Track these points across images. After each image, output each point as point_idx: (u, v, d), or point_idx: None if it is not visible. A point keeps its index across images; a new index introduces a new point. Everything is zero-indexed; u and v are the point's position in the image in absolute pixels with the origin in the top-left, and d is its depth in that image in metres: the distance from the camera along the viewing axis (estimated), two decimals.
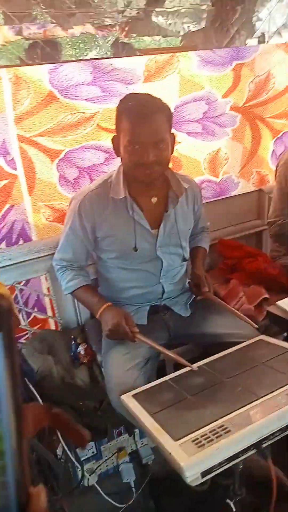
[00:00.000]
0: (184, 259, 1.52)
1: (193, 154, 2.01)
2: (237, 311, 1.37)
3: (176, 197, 1.42)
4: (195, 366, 1.20)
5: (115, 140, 1.33)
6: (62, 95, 1.60)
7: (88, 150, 1.73)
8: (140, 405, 1.08)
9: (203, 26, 2.39)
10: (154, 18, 2.28)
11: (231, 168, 2.15)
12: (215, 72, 1.91)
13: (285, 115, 2.20)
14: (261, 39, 2.32)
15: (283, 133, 2.23)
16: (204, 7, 2.38)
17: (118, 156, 1.34)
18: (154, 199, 1.42)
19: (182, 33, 2.43)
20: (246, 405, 0.98)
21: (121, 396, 1.14)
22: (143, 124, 1.23)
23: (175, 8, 2.25)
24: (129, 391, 1.15)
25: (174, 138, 1.35)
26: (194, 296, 1.55)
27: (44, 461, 1.08)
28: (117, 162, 1.78)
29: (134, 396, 1.13)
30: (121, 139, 1.28)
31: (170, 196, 1.43)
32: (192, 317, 1.50)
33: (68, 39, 1.91)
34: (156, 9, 2.24)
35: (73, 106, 1.64)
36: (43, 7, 1.75)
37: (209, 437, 0.89)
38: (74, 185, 1.76)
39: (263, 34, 2.52)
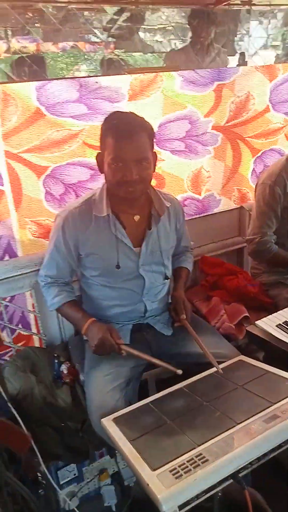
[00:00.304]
0: (166, 277, 1.53)
1: (176, 171, 2.03)
2: (204, 347, 1.35)
3: (158, 215, 1.44)
4: (179, 371, 1.23)
5: (99, 157, 1.34)
6: (49, 112, 1.60)
7: (74, 167, 1.73)
8: (119, 430, 1.08)
9: (187, 44, 2.43)
10: (141, 35, 2.31)
11: (213, 186, 2.18)
12: (197, 92, 1.94)
13: (264, 135, 2.25)
14: (241, 59, 2.37)
15: (262, 152, 2.28)
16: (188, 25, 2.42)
17: (102, 173, 1.35)
18: (136, 217, 1.43)
19: (168, 49, 2.46)
20: (224, 431, 0.99)
21: (102, 420, 1.14)
22: (127, 142, 1.25)
23: (161, 26, 2.28)
24: (110, 414, 1.15)
25: (156, 157, 1.37)
26: None
27: (18, 496, 1.07)
28: (101, 179, 1.79)
29: (115, 420, 1.13)
30: (105, 157, 1.29)
31: (152, 214, 1.44)
32: (174, 336, 1.51)
33: (58, 54, 1.92)
34: (143, 26, 2.26)
35: (60, 123, 1.64)
36: (36, 22, 1.76)
37: (186, 466, 0.89)
38: (60, 201, 1.76)
39: (243, 54, 2.57)
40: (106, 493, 1.50)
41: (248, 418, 1.03)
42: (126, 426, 1.09)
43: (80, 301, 1.58)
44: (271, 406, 1.07)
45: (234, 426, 1.01)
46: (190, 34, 2.34)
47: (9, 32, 1.64)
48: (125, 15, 2.05)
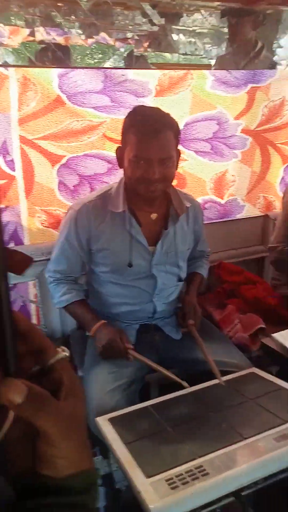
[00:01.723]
0: (180, 279, 1.47)
1: (199, 173, 1.96)
2: (208, 355, 1.26)
3: (177, 215, 1.38)
4: (186, 384, 1.16)
5: (119, 152, 1.30)
6: (70, 101, 1.57)
7: (91, 159, 1.69)
8: (115, 431, 1.00)
9: (223, 48, 2.38)
10: (175, 36, 2.27)
11: (237, 191, 2.10)
12: (228, 93, 1.87)
13: None
14: (273, 66, 2.31)
15: None
16: (225, 29, 2.37)
17: (121, 168, 1.31)
18: (153, 215, 1.38)
19: (201, 53, 2.42)
20: (228, 445, 0.91)
21: (97, 419, 1.07)
22: (151, 140, 1.19)
23: (196, 28, 2.24)
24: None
25: (180, 155, 1.32)
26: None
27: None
28: (119, 173, 1.74)
29: (111, 420, 1.06)
30: (126, 152, 1.24)
31: (170, 214, 1.39)
32: (183, 340, 1.44)
33: (87, 48, 1.90)
34: (177, 27, 2.22)
35: (80, 112, 1.60)
36: (66, 14, 1.74)
37: (184, 478, 0.81)
38: (73, 192, 1.71)
39: (281, 62, 2.49)
40: None
41: (257, 434, 0.95)
42: (122, 427, 1.01)
43: (87, 296, 1.53)
44: (283, 424, 0.98)
45: (241, 441, 0.93)
46: (226, 38, 2.29)
47: (37, 21, 1.62)
48: (160, 13, 2.00)
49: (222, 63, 2.29)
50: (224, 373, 1.25)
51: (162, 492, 0.78)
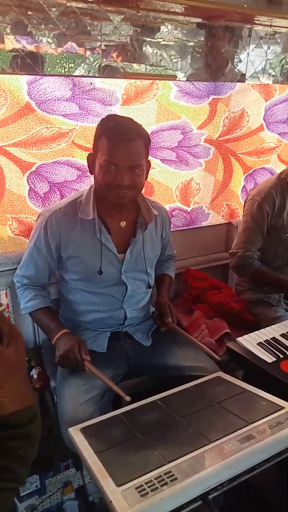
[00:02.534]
0: (149, 286, 1.50)
1: (166, 181, 2.01)
2: (199, 343, 1.34)
3: (145, 223, 1.40)
4: (128, 398, 1.14)
5: (90, 158, 1.31)
6: (39, 108, 1.56)
7: (61, 166, 1.68)
8: (86, 440, 1.01)
9: (188, 61, 2.45)
10: (142, 47, 2.31)
11: (202, 199, 2.16)
12: (192, 104, 1.93)
13: (256, 153, 2.25)
14: (241, 80, 2.40)
15: (254, 170, 2.28)
16: (190, 43, 2.43)
17: (92, 174, 1.32)
18: (123, 223, 1.40)
19: (168, 64, 2.47)
20: (196, 449, 0.94)
21: (69, 429, 1.07)
22: (122, 147, 1.21)
23: (161, 41, 2.29)
24: None
25: (150, 165, 1.35)
26: (156, 326, 1.51)
27: None
28: (89, 181, 1.75)
29: (82, 430, 1.06)
30: (98, 158, 1.26)
31: (139, 221, 1.41)
32: (153, 347, 1.46)
33: (57, 57, 1.90)
34: (145, 38, 2.26)
35: (50, 120, 1.60)
36: (36, 23, 1.73)
37: (154, 484, 0.83)
38: (43, 200, 1.70)
39: (243, 75, 2.58)
40: (69, 508, 1.41)
41: (223, 437, 0.98)
42: (94, 437, 1.02)
43: (57, 305, 1.52)
44: (247, 425, 1.02)
45: (207, 444, 0.96)
46: (190, 51, 2.36)
47: (8, 30, 1.60)
48: (127, 25, 2.04)
49: (196, 75, 2.35)
50: (193, 377, 1.28)
51: (132, 500, 0.80)
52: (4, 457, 0.48)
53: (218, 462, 0.89)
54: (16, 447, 0.50)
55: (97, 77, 1.66)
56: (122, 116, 1.32)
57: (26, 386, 0.51)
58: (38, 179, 1.66)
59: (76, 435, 1.03)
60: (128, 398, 1.13)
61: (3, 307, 0.46)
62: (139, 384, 1.45)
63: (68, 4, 1.66)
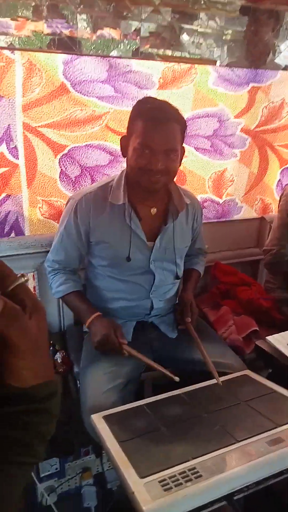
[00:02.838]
0: (177, 277, 1.46)
1: (198, 170, 1.95)
2: (206, 355, 1.26)
3: (177, 211, 1.36)
4: (177, 378, 1.14)
5: (124, 141, 1.27)
6: (74, 89, 1.53)
7: (93, 149, 1.66)
8: (109, 429, 0.98)
9: (225, 50, 2.37)
10: (180, 35, 2.25)
11: (235, 191, 2.09)
12: (230, 91, 1.86)
13: None
14: (283, 69, 2.30)
15: None
16: (229, 31, 2.35)
17: (125, 156, 1.28)
18: (153, 210, 1.36)
19: (205, 53, 2.40)
20: (222, 447, 0.89)
21: (92, 416, 1.05)
22: (158, 130, 1.18)
23: (201, 29, 2.22)
24: None
25: (184, 151, 1.30)
26: None
27: None
28: (120, 167, 1.71)
29: (105, 418, 1.04)
30: (132, 140, 1.22)
31: (170, 209, 1.37)
32: (179, 339, 1.43)
33: (92, 42, 1.86)
34: (184, 26, 2.20)
35: (84, 101, 1.57)
36: (73, 7, 1.70)
37: (178, 479, 0.79)
38: (74, 183, 1.68)
39: (285, 66, 2.48)
40: (87, 493, 1.41)
41: (250, 437, 0.93)
42: (117, 426, 0.99)
43: (84, 290, 1.50)
44: (276, 428, 0.97)
45: (234, 444, 0.91)
46: (228, 39, 2.28)
47: (44, 13, 1.58)
48: (168, 11, 1.98)
49: (236, 63, 2.28)
50: (218, 374, 1.23)
51: (155, 493, 0.77)
52: (25, 432, 0.48)
53: (245, 463, 0.85)
54: (37, 423, 0.49)
55: (134, 58, 1.61)
56: (159, 99, 1.28)
57: (47, 361, 0.50)
58: (70, 162, 1.63)
59: (98, 422, 1.01)
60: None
61: (25, 278, 0.45)
62: (162, 377, 1.42)
63: None
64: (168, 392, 1.15)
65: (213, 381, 1.20)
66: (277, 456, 0.89)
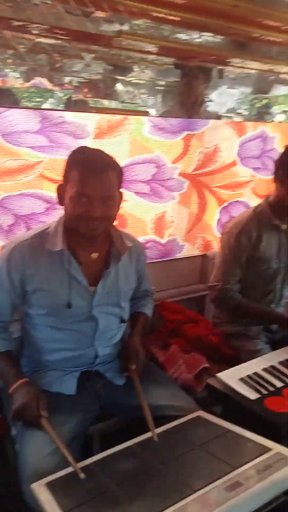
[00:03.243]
0: (122, 321, 1.42)
1: (139, 213, 1.98)
2: (145, 407, 1.20)
3: (119, 254, 1.35)
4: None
5: (60, 189, 1.27)
6: (4, 139, 1.53)
7: (27, 198, 1.64)
8: (53, 497, 0.89)
9: (158, 99, 2.52)
10: (114, 85, 2.36)
11: (176, 231, 2.15)
12: (165, 139, 1.95)
13: (230, 187, 2.28)
14: (215, 118, 2.48)
15: (229, 203, 2.30)
16: (161, 82, 2.51)
17: (62, 205, 1.27)
18: (94, 255, 1.33)
19: (139, 101, 2.53)
20: (179, 501, 0.84)
21: (32, 485, 0.94)
22: (94, 178, 1.19)
23: (134, 80, 2.34)
24: None
25: (122, 197, 1.31)
26: None
27: None
28: (57, 213, 1.69)
29: (48, 484, 0.94)
30: (68, 189, 1.22)
31: (112, 253, 1.36)
32: (126, 386, 1.36)
33: (24, 91, 1.89)
34: (117, 77, 2.31)
35: (16, 152, 1.57)
36: (3, 57, 1.73)
37: None
38: (8, 233, 1.64)
39: (216, 114, 2.67)
40: None
41: (207, 485, 0.89)
42: (61, 493, 0.90)
43: (20, 343, 1.42)
44: (233, 471, 0.93)
45: (191, 495, 0.86)
46: (161, 88, 2.43)
47: None
48: (99, 63, 2.08)
49: (170, 112, 2.41)
50: (170, 418, 1.20)
51: None
52: None
53: None
54: None
55: (67, 110, 1.65)
56: (93, 148, 1.30)
57: None
58: (2, 211, 1.60)
59: (40, 491, 0.90)
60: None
61: None
62: (110, 427, 1.34)
63: (37, 40, 1.67)
64: (119, 445, 1.07)
65: (166, 426, 1.15)
66: (236, 503, 0.85)
